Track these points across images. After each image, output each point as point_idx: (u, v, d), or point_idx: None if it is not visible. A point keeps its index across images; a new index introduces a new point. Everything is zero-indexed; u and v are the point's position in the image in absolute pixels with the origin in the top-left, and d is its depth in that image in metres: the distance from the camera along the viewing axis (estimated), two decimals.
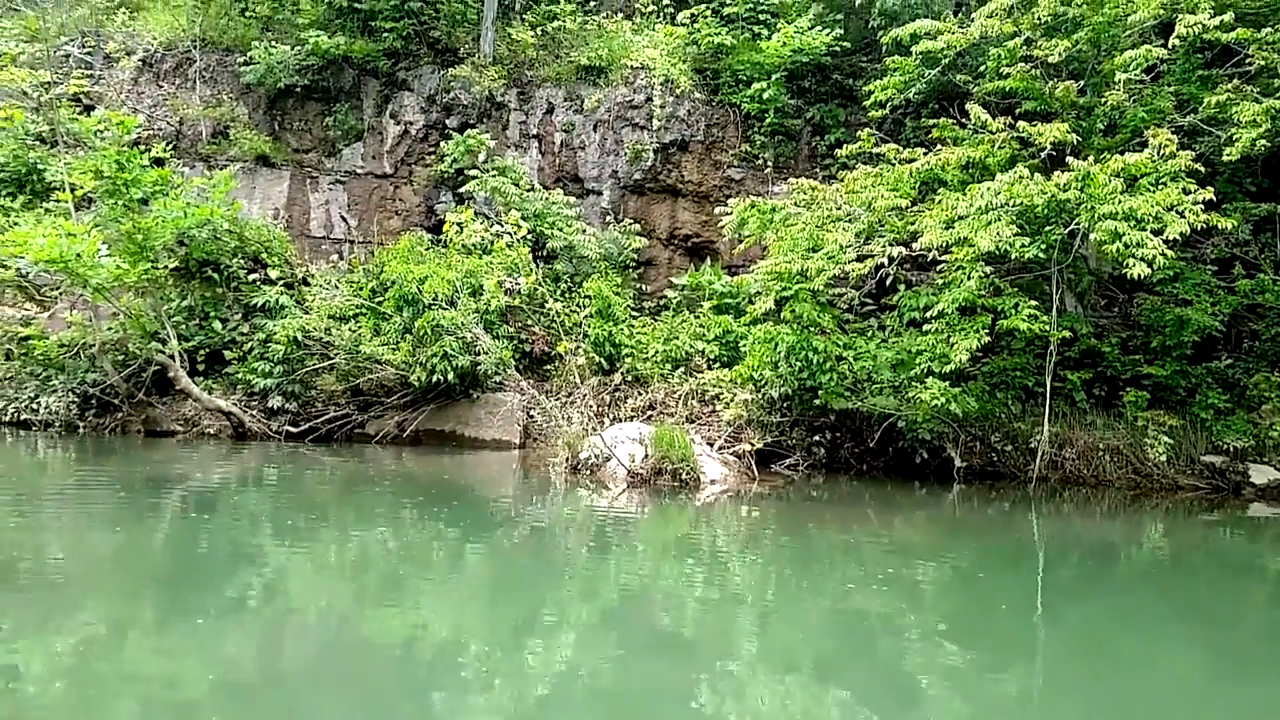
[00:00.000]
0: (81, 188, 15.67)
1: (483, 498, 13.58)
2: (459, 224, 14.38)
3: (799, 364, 14.14)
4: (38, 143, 17.01)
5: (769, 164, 19.34)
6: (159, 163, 16.60)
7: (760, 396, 14.85)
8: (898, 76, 16.85)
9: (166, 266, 16.26)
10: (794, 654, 7.17)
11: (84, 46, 19.84)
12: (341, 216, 20.18)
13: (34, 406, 16.64)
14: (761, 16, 19.86)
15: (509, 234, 14.07)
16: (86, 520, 10.76)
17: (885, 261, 13.62)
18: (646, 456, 13.19)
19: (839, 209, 14.55)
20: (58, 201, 15.83)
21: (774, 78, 18.90)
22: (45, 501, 11.67)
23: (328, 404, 17.14)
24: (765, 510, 12.64)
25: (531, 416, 17.26)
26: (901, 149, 15.38)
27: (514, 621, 7.70)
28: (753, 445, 14.30)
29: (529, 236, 15.91)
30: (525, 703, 5.98)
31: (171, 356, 16.18)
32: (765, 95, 18.92)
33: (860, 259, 13.74)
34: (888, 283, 15.24)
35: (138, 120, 16.93)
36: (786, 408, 14.94)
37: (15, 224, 14.37)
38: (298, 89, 19.58)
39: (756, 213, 15.64)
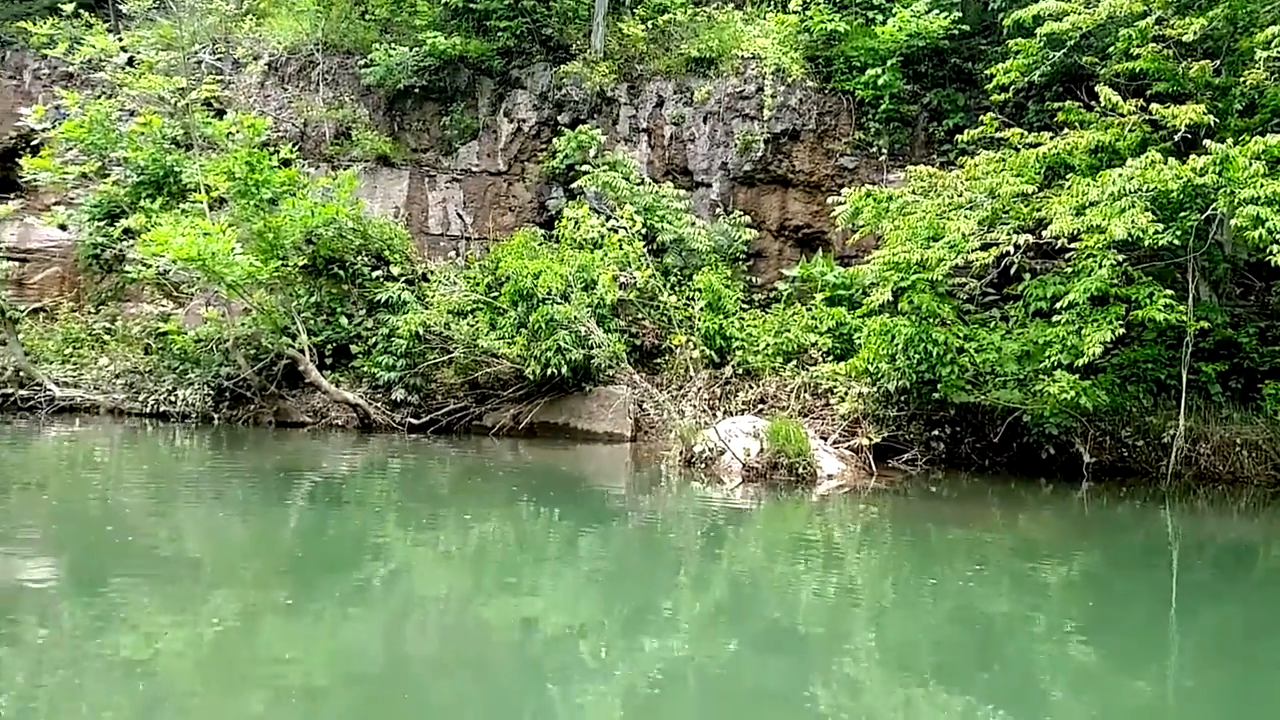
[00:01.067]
0: (216, 189, 16.38)
1: (596, 490, 13.74)
2: (575, 219, 14.54)
3: (917, 356, 13.84)
4: (174, 146, 17.83)
5: (884, 151, 18.98)
6: (286, 164, 17.24)
7: (876, 390, 14.59)
8: (1020, 59, 16.31)
9: (296, 264, 16.88)
10: (912, 653, 7.02)
11: (215, 53, 20.72)
12: (458, 214, 20.61)
13: (172, 399, 17.50)
14: (875, 1, 19.48)
15: (624, 228, 14.15)
16: (221, 508, 11.29)
17: (1010, 250, 13.21)
18: (762, 450, 13.10)
19: (960, 196, 14.17)
20: (193, 202, 16.58)
21: (889, 63, 18.52)
22: (183, 490, 12.28)
23: (447, 396, 17.56)
24: (883, 506, 12.45)
25: (643, 409, 17.36)
26: (1025, 133, 14.89)
27: (628, 612, 7.77)
28: (870, 440, 14.07)
29: (641, 230, 15.98)
30: (639, 694, 6.02)
31: (301, 351, 16.81)
32: (880, 81, 18.56)
33: (984, 248, 13.36)
34: (1011, 272, 14.79)
35: (267, 123, 17.60)
36: (904, 401, 14.64)
37: (156, 224, 15.10)
38: (416, 90, 20.05)
39: (872, 202, 15.36)
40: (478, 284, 17.90)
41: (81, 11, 19.80)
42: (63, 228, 18.90)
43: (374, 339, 17.57)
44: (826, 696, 6.05)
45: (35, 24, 18.88)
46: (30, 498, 11.62)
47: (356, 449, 15.82)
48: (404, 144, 20.69)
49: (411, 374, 17.23)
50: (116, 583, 8.00)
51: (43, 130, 18.21)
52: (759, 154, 19.35)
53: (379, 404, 17.35)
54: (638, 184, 18.73)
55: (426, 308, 17.37)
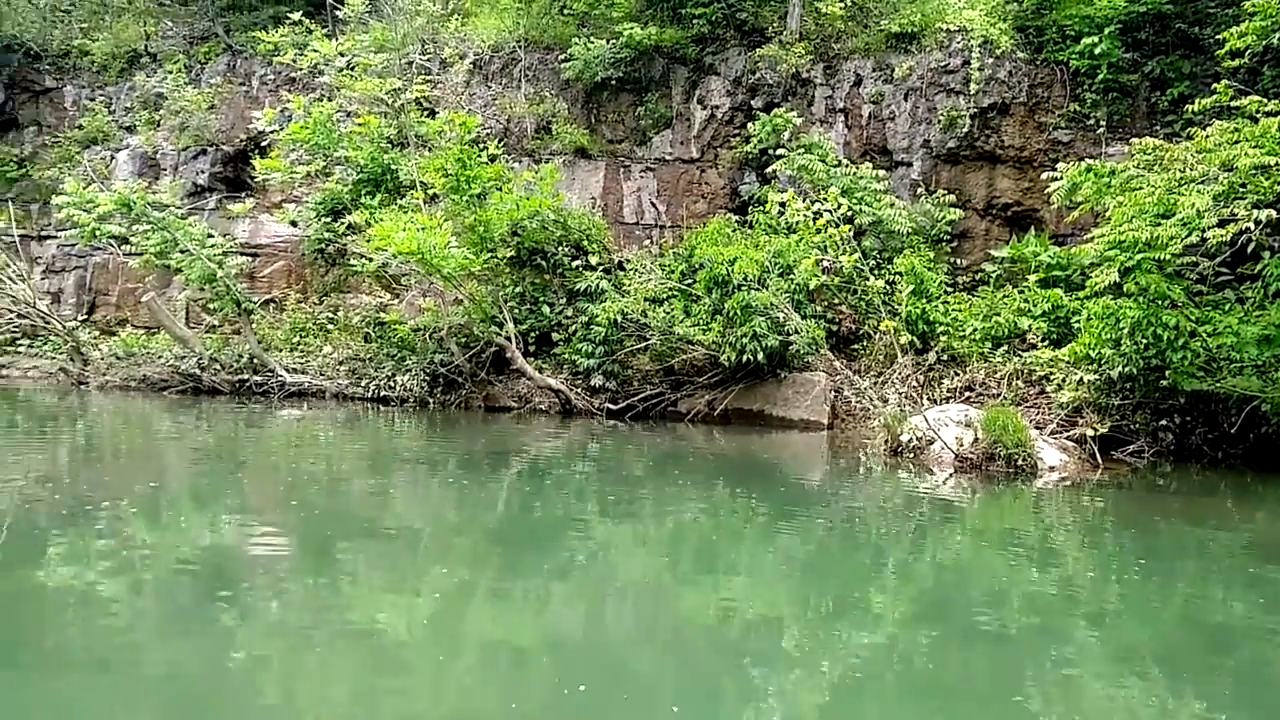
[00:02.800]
0: (432, 186, 17.19)
1: (794, 477, 13.61)
2: (780, 203, 14.42)
3: (1145, 341, 12.98)
4: (389, 145, 18.83)
5: (1101, 124, 17.88)
6: (492, 159, 17.90)
7: (1098, 377, 13.79)
8: (1257, 21, 14.95)
9: (503, 256, 17.52)
10: (1135, 656, 6.55)
11: (424, 54, 21.73)
12: (651, 202, 20.87)
13: (391, 384, 18.57)
14: None
15: (829, 211, 13.94)
16: (436, 486, 11.93)
17: (1250, 226, 12.17)
18: (976, 440, 12.63)
19: (1191, 170, 13.17)
20: (409, 199, 17.47)
21: (1106, 30, 17.42)
22: (402, 468, 13.02)
23: (643, 383, 17.85)
24: (1106, 500, 11.76)
25: (839, 396, 17.09)
26: (1264, 101, 13.67)
27: (828, 601, 7.64)
28: (1095, 430, 13.31)
29: (846, 214, 15.70)
30: (838, 683, 5.93)
31: (508, 338, 17.48)
32: (1097, 50, 17.48)
33: (1220, 224, 12.37)
34: (1248, 250, 13.66)
35: (477, 120, 18.32)
36: (1129, 389, 13.78)
37: (378, 220, 16.01)
38: (612, 81, 20.40)
39: (1092, 177, 14.47)
40: (672, 272, 18.06)
41: (302, 19, 21.13)
42: (293, 224, 20.31)
43: (574, 327, 18.05)
44: (1038, 696, 5.76)
45: (266, 32, 20.22)
46: (264, 473, 12.62)
47: (558, 433, 16.30)
48: (600, 135, 21.10)
49: (610, 361, 17.59)
50: (342, 552, 8.59)
51: (271, 133, 19.62)
52: (964, 130, 18.63)
53: (579, 389, 17.83)
54: (834, 165, 18.40)
55: (623, 296, 17.67)
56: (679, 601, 7.69)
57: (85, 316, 23.38)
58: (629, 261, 19.01)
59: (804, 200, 14.50)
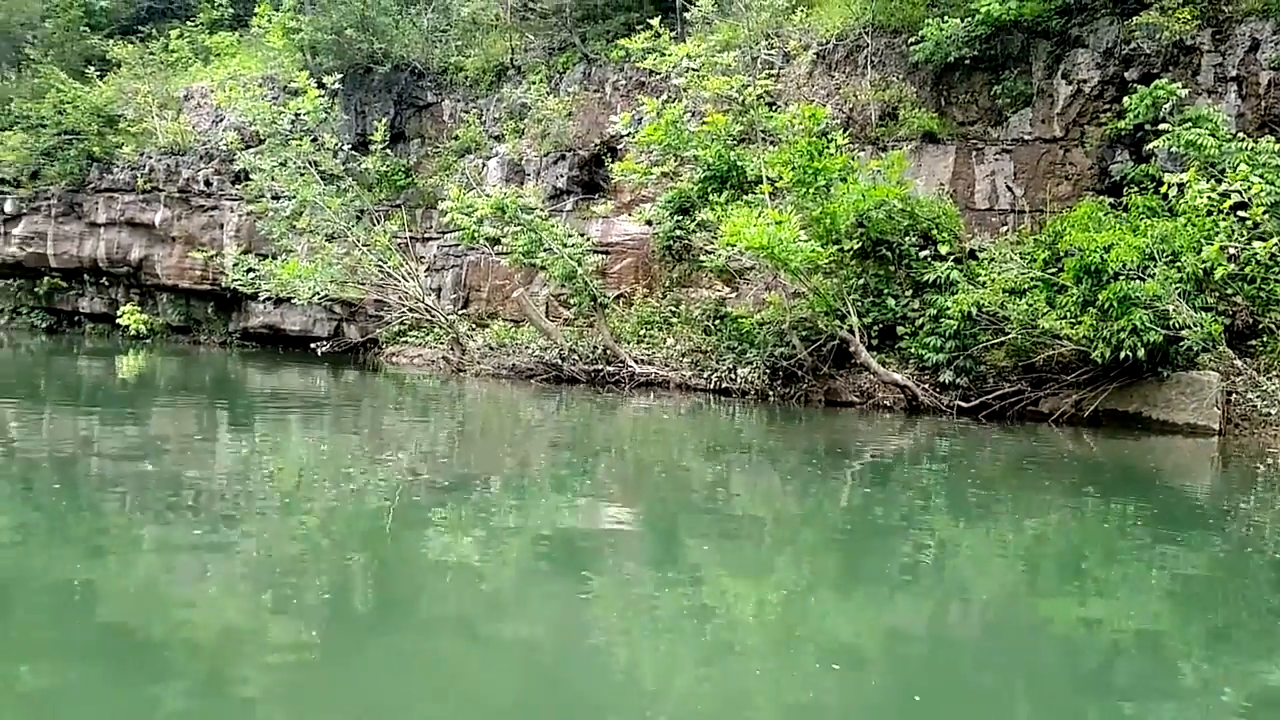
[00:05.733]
0: (780, 179, 17.21)
1: (1177, 488, 12.32)
2: (1180, 185, 12.96)
3: None
4: (735, 142, 19.07)
5: None
6: (838, 150, 17.60)
7: None
8: None
9: (850, 248, 17.19)
10: None
11: (769, 47, 21.80)
12: (1007, 186, 19.61)
13: (732, 376, 18.87)
14: None
15: (1236, 192, 12.32)
16: (779, 479, 11.99)
17: None
18: None
19: None
20: (756, 194, 17.61)
21: None
22: (743, 459, 13.22)
23: (998, 380, 16.81)
24: None
25: (1231, 399, 15.18)
26: None
27: (1214, 627, 6.79)
28: None
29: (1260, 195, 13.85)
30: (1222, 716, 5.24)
31: (851, 331, 17.14)
32: None
33: None
34: None
35: (827, 111, 18.12)
36: None
37: (726, 216, 16.30)
38: (965, 61, 19.35)
39: None
40: (1034, 260, 16.82)
41: (654, 24, 21.86)
42: (648, 223, 21.17)
43: (920, 320, 17.32)
44: None
45: (630, 40, 20.94)
46: (617, 458, 13.27)
47: (904, 430, 15.79)
48: (950, 118, 20.12)
49: (961, 356, 16.70)
50: (689, 537, 8.83)
51: (626, 136, 20.53)
52: None
53: (925, 385, 17.12)
54: (1228, 140, 16.26)
55: (976, 287, 16.69)
56: (1034, 616, 7.17)
57: (461, 311, 25.80)
58: (982, 250, 17.97)
59: (1213, 180, 12.86)
